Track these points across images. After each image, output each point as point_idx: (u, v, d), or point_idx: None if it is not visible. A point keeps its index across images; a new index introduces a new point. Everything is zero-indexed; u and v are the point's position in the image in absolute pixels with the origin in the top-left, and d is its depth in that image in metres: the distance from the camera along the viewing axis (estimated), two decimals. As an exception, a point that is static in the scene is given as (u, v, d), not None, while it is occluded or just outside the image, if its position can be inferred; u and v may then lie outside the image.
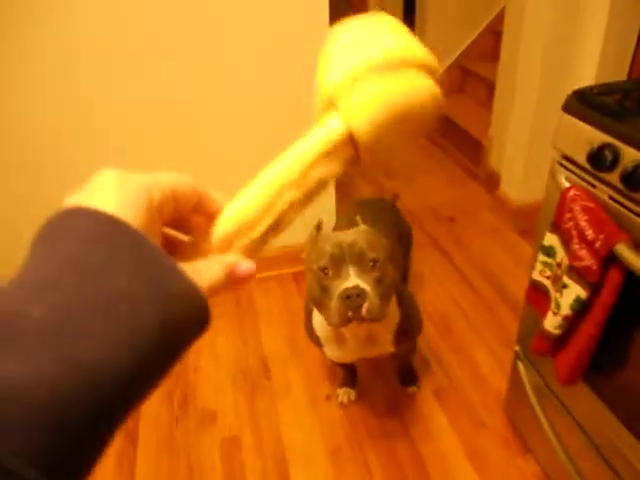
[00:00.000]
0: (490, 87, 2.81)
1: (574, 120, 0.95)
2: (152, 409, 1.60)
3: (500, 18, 2.97)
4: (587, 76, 1.95)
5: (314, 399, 1.59)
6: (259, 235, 0.35)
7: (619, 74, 1.94)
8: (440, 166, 2.86)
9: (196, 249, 0.35)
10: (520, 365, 1.31)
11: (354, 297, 1.02)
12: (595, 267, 0.88)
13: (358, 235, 1.13)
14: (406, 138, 0.36)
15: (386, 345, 1.31)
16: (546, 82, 2.00)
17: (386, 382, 1.61)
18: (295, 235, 2.02)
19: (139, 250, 0.27)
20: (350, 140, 0.35)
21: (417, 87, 0.35)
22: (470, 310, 1.86)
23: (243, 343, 1.80)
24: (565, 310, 0.96)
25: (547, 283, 1.06)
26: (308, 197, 0.36)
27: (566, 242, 0.97)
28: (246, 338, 1.82)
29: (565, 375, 1.02)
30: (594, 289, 0.91)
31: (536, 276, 1.09)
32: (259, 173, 0.36)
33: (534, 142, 2.13)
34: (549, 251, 1.03)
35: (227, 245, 0.35)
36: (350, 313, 1.03)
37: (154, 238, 0.29)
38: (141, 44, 1.58)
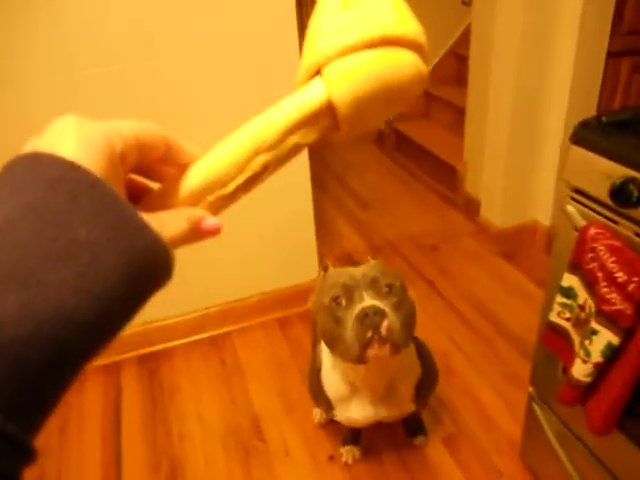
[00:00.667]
0: (457, 111, 2.80)
1: (587, 152, 0.89)
2: (137, 489, 1.45)
3: (462, 40, 2.99)
4: (560, 98, 1.94)
5: (315, 461, 1.46)
6: (228, 193, 0.34)
7: (592, 91, 1.94)
8: (415, 194, 2.82)
9: (164, 199, 0.34)
10: (536, 408, 1.23)
11: (372, 315, 0.96)
12: (629, 311, 0.81)
13: (370, 267, 1.08)
14: (387, 111, 0.36)
15: (405, 402, 1.22)
16: (519, 104, 1.98)
17: (391, 434, 1.50)
18: (275, 280, 1.92)
19: (99, 198, 0.26)
20: (330, 109, 0.34)
21: (404, 63, 0.34)
22: (467, 346, 1.78)
23: (231, 403, 1.67)
24: (596, 357, 0.88)
25: (567, 326, 0.99)
26: (281, 160, 0.35)
27: (589, 284, 0.90)
28: (234, 397, 1.69)
29: (598, 425, 0.94)
30: (627, 333, 0.84)
31: (554, 318, 1.01)
32: (236, 130, 0.35)
33: (511, 165, 2.10)
34: (568, 292, 0.96)
35: (195, 199, 0.34)
36: (369, 333, 0.96)
37: (116, 187, 0.28)
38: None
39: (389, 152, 3.28)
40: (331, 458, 1.47)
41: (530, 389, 1.25)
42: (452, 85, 3.10)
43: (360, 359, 0.98)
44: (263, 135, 0.34)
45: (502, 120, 2.04)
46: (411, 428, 1.48)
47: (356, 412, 1.20)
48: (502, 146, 2.08)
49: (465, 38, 2.85)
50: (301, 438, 1.53)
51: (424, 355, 1.28)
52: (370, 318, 0.96)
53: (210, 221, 0.34)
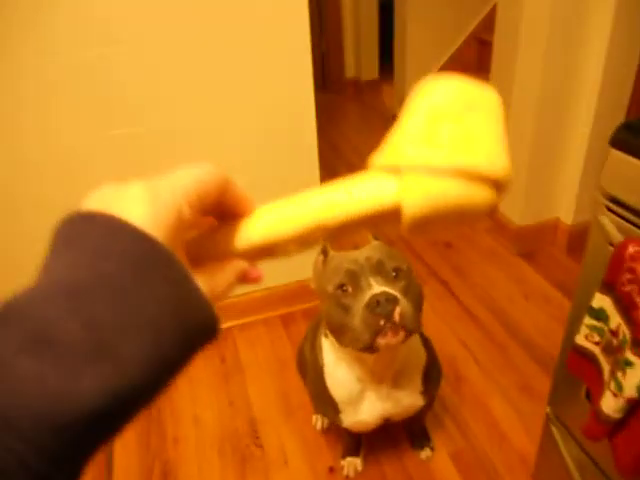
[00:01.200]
0: (478, 100, 2.66)
1: (629, 158, 0.77)
2: (127, 494, 1.38)
3: (486, 24, 2.84)
4: (590, 90, 1.80)
5: (315, 472, 1.38)
6: (278, 254, 0.36)
7: (625, 82, 1.80)
8: (430, 185, 2.69)
9: (218, 244, 0.35)
10: (554, 430, 1.13)
11: (384, 302, 0.89)
12: (673, 345, 0.70)
13: (373, 250, 1.00)
14: (448, 228, 0.37)
15: (414, 394, 1.14)
16: (547, 94, 1.85)
17: (395, 446, 1.42)
18: (279, 276, 1.83)
19: (170, 274, 0.28)
20: (397, 212, 0.34)
21: (481, 199, 0.33)
22: (479, 352, 1.68)
23: (229, 404, 1.59)
24: (630, 392, 0.78)
25: (596, 351, 0.88)
26: (335, 237, 0.36)
27: (625, 308, 0.79)
28: (232, 398, 1.61)
29: (628, 465, 0.84)
30: (667, 368, 0.73)
31: (581, 341, 0.91)
32: (303, 196, 0.36)
33: (535, 159, 1.97)
34: (599, 314, 0.85)
35: (249, 254, 0.36)
36: (382, 321, 0.89)
37: (179, 250, 0.31)
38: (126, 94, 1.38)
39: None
40: (331, 470, 1.38)
41: (547, 409, 1.15)
42: (473, 72, 2.94)
43: (371, 348, 0.92)
44: (327, 216, 0.34)
45: (527, 111, 1.91)
46: (417, 439, 1.39)
47: (365, 412, 1.12)
48: (526, 138, 1.95)
49: (489, 21, 2.70)
50: (300, 445, 1.45)
51: (426, 341, 1.23)
52: (382, 306, 0.89)
53: (254, 272, 0.37)
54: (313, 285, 1.08)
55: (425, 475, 1.35)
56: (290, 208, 0.35)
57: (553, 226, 2.12)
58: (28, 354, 0.23)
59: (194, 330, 0.29)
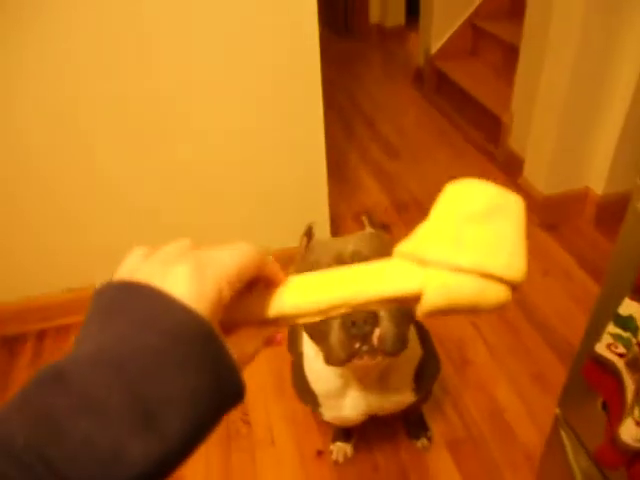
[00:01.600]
0: (508, 50, 2.44)
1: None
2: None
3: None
4: (636, 47, 1.58)
5: (302, 454, 1.30)
6: (303, 320, 0.38)
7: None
8: (451, 145, 2.50)
9: (250, 310, 0.37)
10: (563, 435, 1.01)
11: (360, 324, 0.78)
12: None
13: (362, 242, 0.86)
14: (462, 315, 0.38)
15: (404, 391, 1.02)
16: (586, 46, 1.63)
17: (389, 433, 1.32)
18: (278, 242, 1.70)
19: (210, 348, 0.30)
20: (417, 298, 0.36)
21: (497, 296, 0.35)
22: (489, 333, 1.56)
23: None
24: (657, 423, 0.65)
25: (619, 364, 0.75)
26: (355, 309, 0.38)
27: (661, 321, 0.65)
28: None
29: (646, 499, 0.72)
30: None
31: (601, 350, 0.77)
32: (333, 275, 0.38)
33: (567, 121, 1.77)
34: (627, 323, 0.71)
35: (278, 322, 0.38)
36: (357, 344, 0.78)
37: (216, 324, 0.32)
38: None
39: (427, 94, 2.93)
40: (319, 454, 1.30)
41: (557, 410, 1.03)
42: (504, 19, 2.69)
43: (343, 365, 0.82)
44: (353, 298, 0.36)
45: (563, 64, 1.70)
46: (413, 428, 1.29)
47: (347, 408, 1.01)
48: (559, 96, 1.74)
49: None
50: (289, 426, 1.36)
51: (423, 334, 1.09)
52: (358, 327, 0.77)
53: (279, 336, 0.41)
54: (292, 271, 0.95)
55: (419, 466, 1.25)
56: (320, 286, 0.37)
57: (581, 196, 1.94)
58: (80, 420, 0.25)
59: (226, 398, 0.31)
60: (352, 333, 0.77)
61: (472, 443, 1.29)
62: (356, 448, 1.28)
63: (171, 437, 0.27)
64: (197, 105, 1.43)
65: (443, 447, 1.29)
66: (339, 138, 2.59)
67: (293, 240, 1.59)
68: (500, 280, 0.35)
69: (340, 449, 1.27)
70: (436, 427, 1.32)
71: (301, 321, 0.38)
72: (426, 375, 1.03)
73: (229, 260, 0.33)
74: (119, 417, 0.25)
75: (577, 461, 0.98)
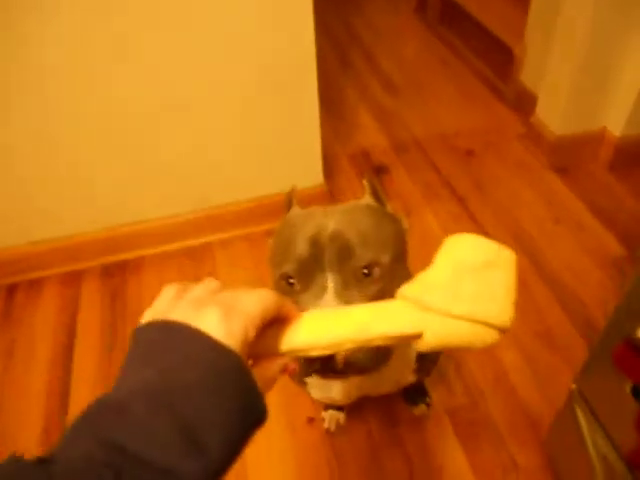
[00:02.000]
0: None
1: None
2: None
3: None
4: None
5: (292, 421, 1.21)
6: (314, 354, 0.43)
7: None
8: (456, 79, 2.30)
9: (269, 342, 0.43)
10: (579, 414, 0.91)
11: None
12: None
13: (349, 218, 0.70)
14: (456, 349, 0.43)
15: (404, 373, 0.91)
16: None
17: (385, 398, 1.22)
18: (266, 185, 1.56)
19: (243, 382, 0.35)
20: (417, 336, 0.41)
21: (487, 338, 0.41)
22: (495, 287, 1.44)
23: (202, 335, 1.40)
24: None
25: (662, 350, 0.63)
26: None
27: None
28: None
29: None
30: None
31: (640, 332, 0.65)
32: (341, 314, 0.44)
33: (587, 55, 1.58)
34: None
35: (291, 353, 0.43)
36: (317, 364, 0.60)
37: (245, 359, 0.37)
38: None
39: (431, 22, 2.69)
40: (310, 421, 1.21)
41: (573, 386, 0.92)
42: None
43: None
44: (360, 336, 0.41)
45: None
46: (410, 394, 1.19)
47: (336, 390, 0.90)
48: (581, 25, 1.54)
49: None
50: (278, 392, 1.25)
51: None
52: None
53: (292, 365, 0.45)
54: (270, 245, 0.80)
55: (416, 434, 1.17)
56: (329, 324, 0.43)
57: (597, 137, 1.78)
58: (140, 445, 0.30)
59: (253, 422, 0.36)
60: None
61: (474, 409, 1.20)
62: (349, 415, 1.19)
63: (212, 457, 0.32)
64: (186, 35, 1.24)
65: (443, 414, 1.20)
66: (334, 72, 2.38)
67: (284, 184, 1.44)
68: (491, 326, 0.40)
69: (332, 417, 1.18)
70: (436, 392, 1.22)
71: (313, 353, 0.43)
72: (432, 355, 0.91)
73: (254, 304, 0.39)
74: (172, 442, 0.30)
75: (593, 439, 0.89)
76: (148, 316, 0.40)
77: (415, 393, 1.19)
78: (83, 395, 1.29)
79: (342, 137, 2.00)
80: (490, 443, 1.14)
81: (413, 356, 0.88)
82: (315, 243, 0.66)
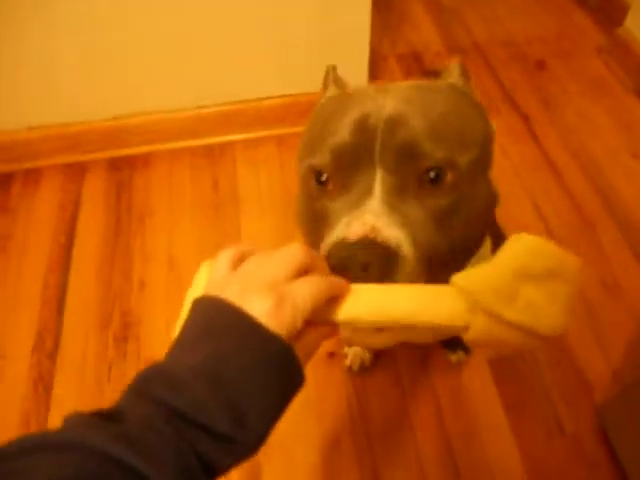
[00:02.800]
0: None
1: None
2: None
3: None
4: None
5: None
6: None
7: None
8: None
9: (318, 314, 0.40)
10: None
11: (355, 264, 0.43)
12: None
13: (415, 97, 0.51)
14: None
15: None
16: None
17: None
18: (304, 81, 1.33)
19: (288, 365, 0.37)
20: (464, 329, 0.39)
21: (531, 346, 0.40)
22: (557, 223, 1.24)
23: (215, 247, 1.23)
24: None
25: None
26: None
27: None
28: (220, 239, 1.25)
29: None
30: None
31: None
32: (391, 292, 0.41)
33: None
34: None
35: (336, 324, 0.42)
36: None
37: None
38: None
39: None
40: (331, 356, 1.07)
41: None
42: None
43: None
44: (406, 319, 0.39)
45: None
46: (449, 339, 1.03)
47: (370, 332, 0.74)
48: None
49: None
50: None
51: (500, 244, 0.75)
52: (353, 266, 0.43)
53: (335, 332, 0.44)
54: (304, 132, 0.59)
55: (451, 383, 1.02)
56: (379, 300, 0.40)
57: (698, 56, 1.49)
58: (196, 415, 0.34)
59: (293, 394, 0.39)
60: (342, 272, 0.44)
61: (521, 362, 1.04)
62: (376, 357, 1.05)
63: (254, 431, 0.35)
64: None
65: (483, 364, 1.04)
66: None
67: (318, 81, 1.20)
68: (539, 336, 0.38)
69: (357, 355, 1.03)
70: (477, 339, 1.07)
71: (359, 326, 0.42)
72: None
73: (306, 297, 0.39)
74: (220, 417, 0.34)
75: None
76: (208, 285, 0.42)
77: (455, 338, 1.03)
78: (79, 304, 1.16)
79: (391, 33, 1.73)
80: (535, 402, 1.00)
81: None
82: (362, 127, 0.48)
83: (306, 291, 0.39)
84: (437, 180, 0.47)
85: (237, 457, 0.36)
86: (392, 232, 0.44)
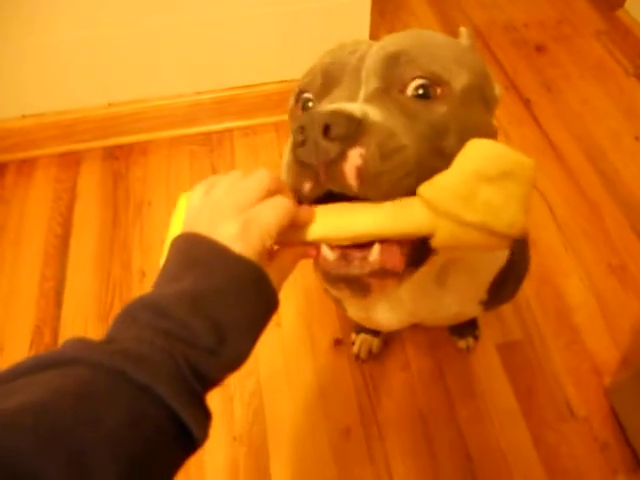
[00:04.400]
0: None
1: None
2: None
3: None
4: None
5: (315, 341, 1.05)
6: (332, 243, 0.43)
7: None
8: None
9: (287, 236, 0.43)
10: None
11: (315, 126, 0.39)
12: None
13: (409, 34, 0.49)
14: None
15: (470, 305, 0.69)
16: None
17: (425, 329, 1.05)
18: (302, 65, 1.31)
19: (261, 286, 0.40)
20: (428, 235, 0.41)
21: (493, 244, 0.41)
22: (560, 207, 1.22)
23: (216, 236, 1.22)
24: None
25: None
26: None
27: None
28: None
29: None
30: None
31: None
32: (358, 209, 0.41)
33: None
34: None
35: (309, 242, 0.43)
36: (307, 184, 0.42)
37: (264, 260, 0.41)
38: None
39: None
40: (337, 343, 1.05)
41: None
42: None
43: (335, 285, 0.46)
44: (375, 231, 0.41)
45: None
46: (458, 325, 1.02)
47: (381, 310, 0.72)
48: None
49: None
50: (303, 307, 1.10)
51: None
52: (313, 130, 0.39)
53: (313, 250, 0.44)
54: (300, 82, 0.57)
55: (459, 368, 1.01)
56: (345, 218, 0.42)
57: (698, 38, 1.48)
58: (182, 332, 0.35)
59: (268, 315, 0.41)
60: (299, 157, 0.41)
61: (529, 347, 1.03)
62: (384, 343, 1.03)
63: (238, 350, 0.38)
64: None
65: (492, 349, 1.03)
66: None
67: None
68: (499, 235, 0.40)
69: (364, 342, 1.01)
70: (487, 326, 1.05)
71: (332, 243, 0.43)
72: (508, 287, 0.71)
73: (270, 217, 0.40)
74: (202, 333, 0.35)
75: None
76: (186, 215, 0.45)
77: (464, 324, 1.01)
78: (77, 296, 1.14)
79: (388, 19, 1.70)
80: (545, 386, 0.99)
81: (487, 282, 0.68)
82: (353, 53, 0.47)
83: (270, 211, 0.40)
84: (424, 95, 0.44)
85: (223, 369, 0.37)
86: (362, 108, 0.41)
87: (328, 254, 0.43)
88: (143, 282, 1.14)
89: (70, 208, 1.27)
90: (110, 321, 1.01)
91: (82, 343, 0.34)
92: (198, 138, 1.39)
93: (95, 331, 1.08)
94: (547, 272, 1.11)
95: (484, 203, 0.39)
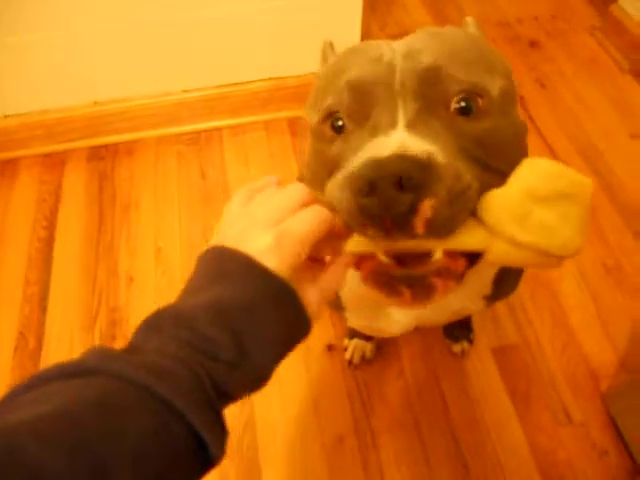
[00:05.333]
0: None
1: None
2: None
3: None
4: None
5: (307, 347, 1.03)
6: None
7: None
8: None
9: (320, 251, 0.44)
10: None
11: (388, 187, 0.36)
12: None
13: (432, 35, 0.46)
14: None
15: (474, 300, 0.67)
16: None
17: (419, 333, 1.03)
18: (292, 64, 1.26)
19: (290, 305, 0.39)
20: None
21: (546, 265, 0.41)
22: (556, 208, 1.21)
23: (205, 239, 1.19)
24: None
25: None
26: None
27: None
28: (208, 228, 1.19)
29: None
30: None
31: None
32: None
33: None
34: None
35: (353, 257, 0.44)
36: (371, 227, 0.38)
37: (294, 280, 0.39)
38: None
39: None
40: (330, 348, 1.03)
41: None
42: None
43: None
44: (420, 246, 0.40)
45: None
46: (452, 329, 1.00)
47: (385, 318, 0.69)
48: None
49: None
50: (293, 310, 1.07)
51: None
52: (382, 195, 0.36)
53: (354, 259, 0.44)
54: (306, 106, 0.54)
55: (454, 373, 0.99)
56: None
57: (693, 34, 1.46)
58: (204, 344, 0.35)
59: (297, 337, 0.40)
60: (364, 206, 0.37)
61: (525, 351, 1.01)
62: (378, 348, 1.01)
63: (258, 362, 0.37)
64: None
65: (487, 353, 1.01)
66: None
67: (311, 66, 1.15)
68: (554, 256, 0.39)
69: (357, 347, 0.99)
70: (481, 330, 1.03)
71: (379, 254, 0.42)
72: (510, 281, 0.69)
73: (305, 227, 0.39)
74: (224, 346, 0.35)
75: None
76: (217, 234, 0.43)
77: (458, 328, 0.99)
78: (63, 301, 1.10)
79: (381, 14, 1.67)
80: (541, 391, 0.97)
81: (491, 277, 0.66)
82: (379, 60, 0.43)
83: (304, 221, 0.39)
84: (467, 109, 0.41)
85: (243, 385, 0.37)
86: (423, 146, 0.38)
87: (384, 258, 0.41)
88: (130, 287, 1.11)
89: (54, 210, 1.24)
90: (96, 328, 0.97)
91: (103, 354, 0.34)
92: (186, 137, 1.36)
93: (81, 338, 1.05)
94: (542, 273, 1.09)
95: (538, 224, 0.38)
